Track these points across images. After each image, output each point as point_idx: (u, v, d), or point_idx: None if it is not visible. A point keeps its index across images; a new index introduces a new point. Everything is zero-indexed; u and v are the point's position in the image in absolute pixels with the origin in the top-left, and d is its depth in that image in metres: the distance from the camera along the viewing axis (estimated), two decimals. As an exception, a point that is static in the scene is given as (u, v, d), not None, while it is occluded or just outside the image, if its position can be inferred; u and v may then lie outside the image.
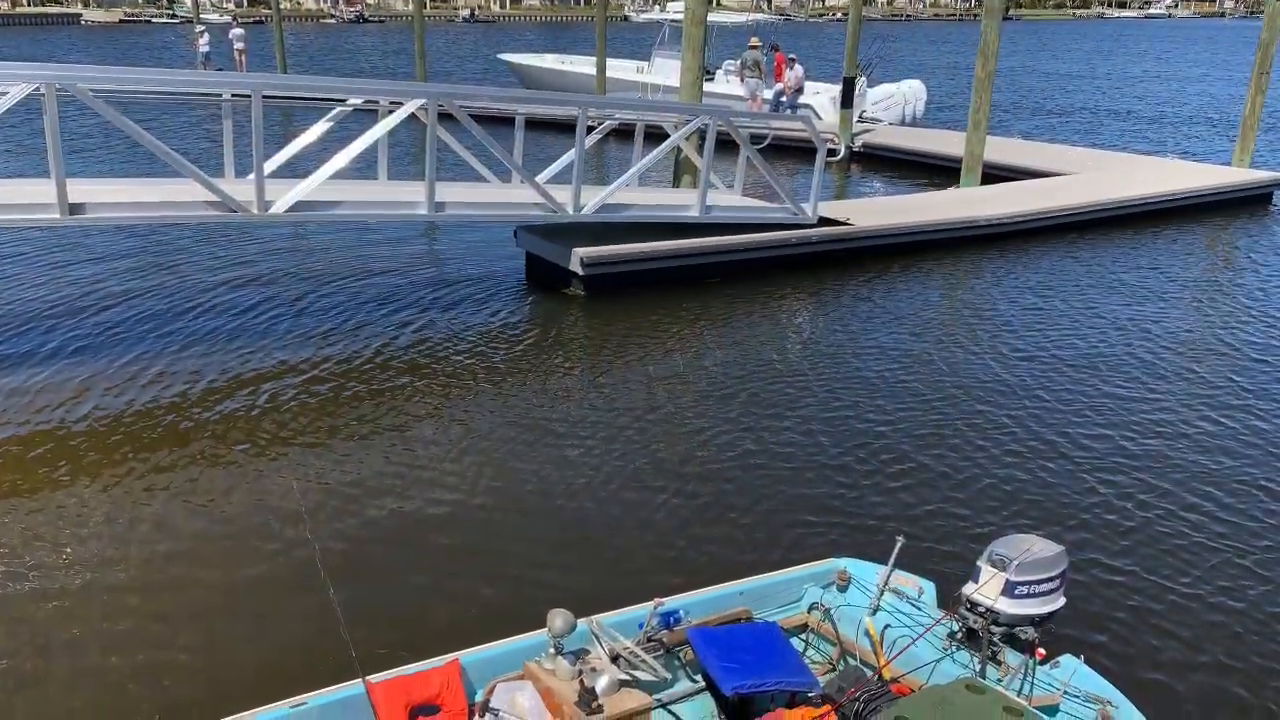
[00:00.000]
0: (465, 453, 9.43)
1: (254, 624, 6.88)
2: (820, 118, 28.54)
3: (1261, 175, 22.78)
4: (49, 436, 9.48)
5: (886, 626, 6.10)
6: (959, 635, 5.78)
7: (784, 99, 29.37)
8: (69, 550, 7.66)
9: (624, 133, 17.80)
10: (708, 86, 23.93)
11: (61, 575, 7.34)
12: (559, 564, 7.68)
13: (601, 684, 5.11)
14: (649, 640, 5.69)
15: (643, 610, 5.84)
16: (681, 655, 5.92)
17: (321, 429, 9.80)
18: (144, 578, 7.36)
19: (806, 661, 5.94)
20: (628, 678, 5.23)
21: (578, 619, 5.37)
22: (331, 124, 13.69)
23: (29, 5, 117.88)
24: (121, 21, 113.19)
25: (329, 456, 9.26)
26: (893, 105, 31.42)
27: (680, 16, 22.02)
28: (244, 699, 5.30)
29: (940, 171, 24.01)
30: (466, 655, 5.39)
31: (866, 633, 6.11)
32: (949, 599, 5.85)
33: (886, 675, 5.67)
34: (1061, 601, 5.67)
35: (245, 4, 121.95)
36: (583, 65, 36.31)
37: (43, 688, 6.22)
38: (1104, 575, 7.67)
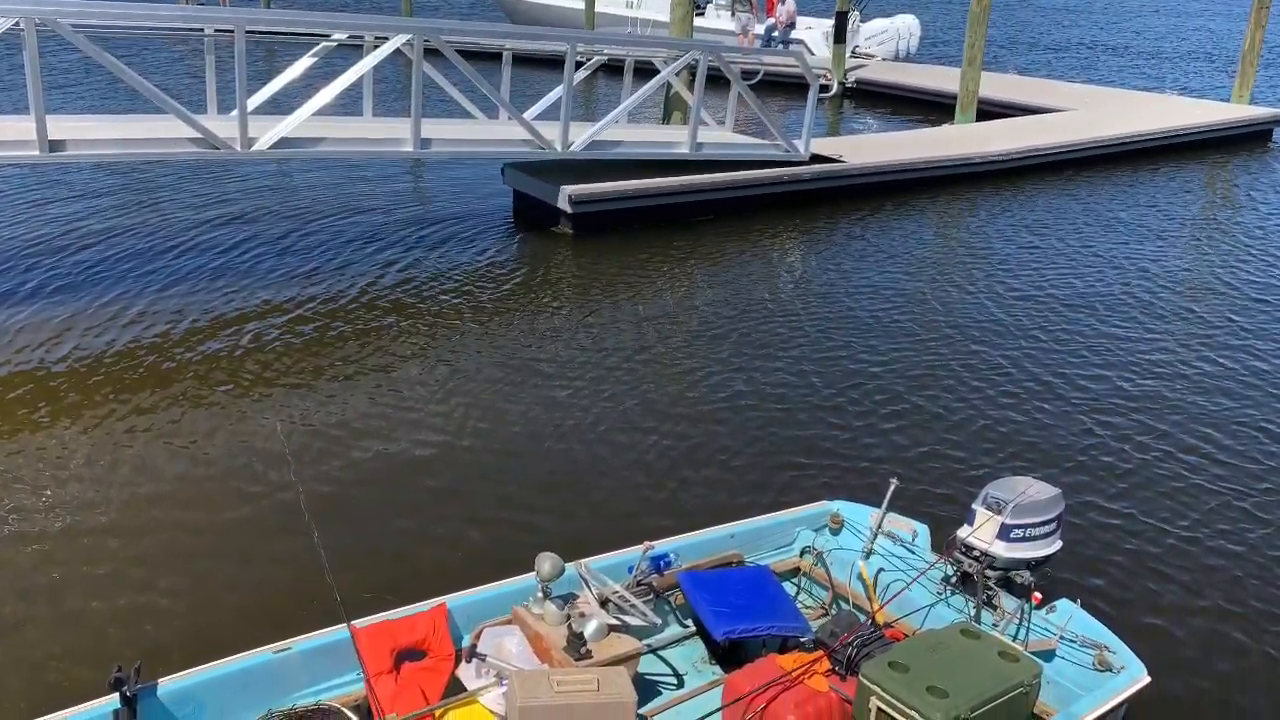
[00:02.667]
0: (452, 394, 9.29)
1: (237, 568, 6.77)
2: (813, 53, 28.13)
3: (1261, 111, 22.55)
4: (28, 377, 9.31)
5: (880, 570, 6.02)
6: (954, 579, 5.70)
7: (776, 34, 28.94)
8: (49, 493, 7.53)
9: (613, 68, 17.50)
10: (698, 21, 23.55)
11: (41, 518, 7.22)
12: (547, 507, 7.57)
13: (590, 629, 5.02)
14: (639, 584, 5.60)
15: (632, 554, 5.75)
16: (672, 600, 5.84)
17: (306, 370, 9.64)
18: (125, 520, 7.24)
19: (799, 606, 5.86)
20: (617, 622, 5.15)
21: (566, 563, 5.28)
22: (316, 60, 13.39)
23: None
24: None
25: (313, 398, 9.12)
26: (886, 40, 31.01)
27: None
28: (227, 643, 5.20)
29: (935, 108, 23.72)
30: (453, 600, 5.30)
31: (860, 576, 6.03)
32: (943, 542, 5.76)
33: (880, 620, 5.59)
34: (1058, 545, 5.59)
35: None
36: None
37: (22, 633, 6.12)
38: (1101, 518, 7.59)
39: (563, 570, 5.19)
